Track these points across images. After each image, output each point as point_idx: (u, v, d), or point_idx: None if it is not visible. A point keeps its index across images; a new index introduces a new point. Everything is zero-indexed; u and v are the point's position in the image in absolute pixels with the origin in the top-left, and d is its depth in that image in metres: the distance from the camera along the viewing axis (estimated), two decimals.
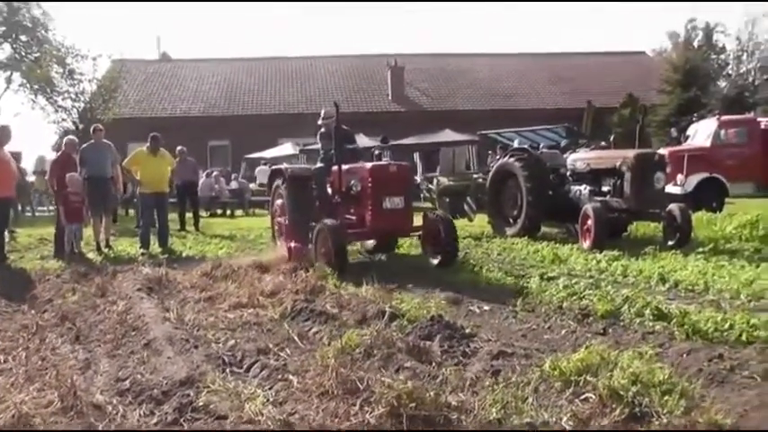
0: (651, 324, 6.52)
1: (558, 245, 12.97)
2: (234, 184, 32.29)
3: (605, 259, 10.92)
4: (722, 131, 20.86)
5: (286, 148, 34.75)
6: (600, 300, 7.40)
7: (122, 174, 15.58)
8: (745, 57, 62.33)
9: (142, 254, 13.99)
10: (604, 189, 13.98)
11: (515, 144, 21.96)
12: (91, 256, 13.91)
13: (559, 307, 7.57)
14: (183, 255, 14.21)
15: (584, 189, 14.31)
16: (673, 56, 49.20)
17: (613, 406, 4.16)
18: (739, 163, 20.08)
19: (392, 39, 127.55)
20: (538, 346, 6.14)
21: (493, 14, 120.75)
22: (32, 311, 8.51)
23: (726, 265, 9.96)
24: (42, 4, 44.17)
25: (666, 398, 4.21)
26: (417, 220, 11.75)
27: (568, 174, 15.12)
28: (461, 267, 10.88)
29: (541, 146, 19.05)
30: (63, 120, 33.85)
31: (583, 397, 4.41)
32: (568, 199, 14.59)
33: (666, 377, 4.48)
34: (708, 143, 20.65)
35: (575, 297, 7.86)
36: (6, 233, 14.49)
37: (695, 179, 19.34)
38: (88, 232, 14.82)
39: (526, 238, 14.23)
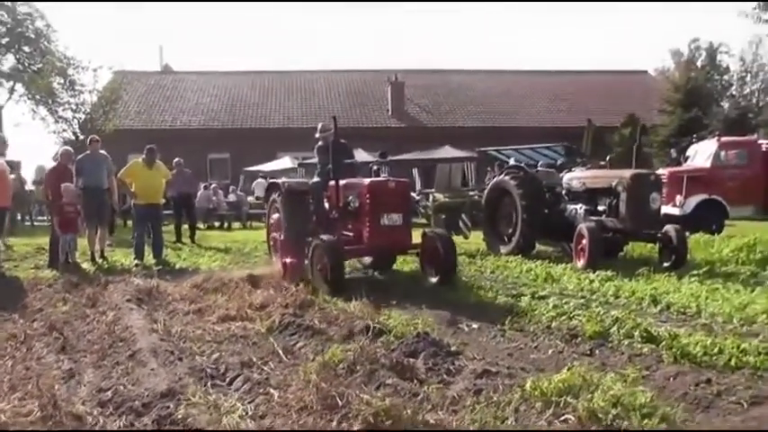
0: (639, 346, 6.48)
1: (551, 264, 12.91)
2: (232, 197, 32.31)
3: (598, 279, 10.87)
4: (722, 153, 20.67)
5: (284, 162, 34.79)
6: (589, 320, 7.35)
7: (118, 185, 15.54)
8: (749, 78, 62.41)
9: (136, 265, 13.96)
10: (600, 208, 13.95)
11: (511, 162, 21.96)
12: (85, 266, 13.90)
13: (548, 327, 7.53)
14: (177, 266, 14.19)
15: (579, 208, 14.27)
16: (675, 75, 49.14)
17: (592, 428, 4.12)
18: (739, 185, 19.89)
19: (393, 55, 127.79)
20: (523, 366, 6.08)
21: (494, 32, 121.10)
22: (22, 321, 8.50)
23: (720, 288, 9.87)
24: (47, 15, 44.42)
25: (646, 421, 4.17)
26: (416, 237, 11.58)
27: (564, 192, 15.10)
28: (453, 285, 10.78)
29: (539, 164, 19.02)
30: (63, 130, 34.02)
31: (562, 418, 4.36)
32: (564, 218, 14.54)
33: (648, 400, 4.43)
34: (708, 164, 20.48)
35: (564, 317, 7.82)
36: (1, 242, 14.50)
37: (694, 201, 19.26)
38: (84, 242, 14.79)
39: (520, 256, 14.13)
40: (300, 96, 46.11)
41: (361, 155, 25.03)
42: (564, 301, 8.88)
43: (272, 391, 5.26)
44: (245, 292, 9.76)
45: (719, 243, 14.26)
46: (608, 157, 20.37)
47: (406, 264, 13.02)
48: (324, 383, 4.93)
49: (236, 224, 30.25)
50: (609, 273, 11.29)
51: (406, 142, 36.23)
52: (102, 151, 15.61)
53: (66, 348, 7.10)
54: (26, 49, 43.30)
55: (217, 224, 29.83)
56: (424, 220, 21.52)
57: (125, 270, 13.31)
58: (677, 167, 21.93)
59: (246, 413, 4.72)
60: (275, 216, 12.87)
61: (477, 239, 16.64)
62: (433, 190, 25.71)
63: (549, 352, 6.71)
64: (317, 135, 12.79)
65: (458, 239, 15.61)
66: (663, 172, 20.26)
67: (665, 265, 12.27)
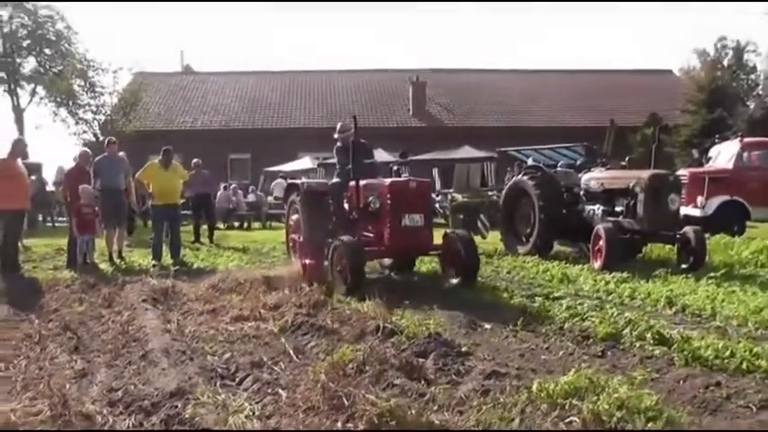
0: (651, 348, 6.46)
1: (568, 264, 12.90)
2: (251, 197, 32.44)
3: (614, 280, 10.84)
4: (745, 154, 20.36)
5: (304, 162, 34.85)
6: (602, 322, 7.33)
7: (136, 186, 15.63)
8: None
9: (153, 265, 14.04)
10: (618, 209, 13.89)
11: (530, 162, 21.87)
12: (103, 266, 13.98)
13: (561, 328, 7.52)
14: (195, 266, 14.25)
15: (597, 209, 14.23)
16: (700, 75, 48.69)
17: (596, 430, 4.10)
18: (762, 186, 19.58)
19: (415, 54, 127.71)
20: (533, 367, 6.08)
21: (516, 31, 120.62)
22: (37, 321, 8.58)
23: (737, 290, 9.83)
24: (67, 18, 44.83)
25: (650, 425, 4.15)
26: (436, 238, 11.44)
27: (582, 193, 15.04)
28: (469, 285, 10.69)
29: (559, 164, 18.95)
30: (84, 132, 34.22)
31: (567, 420, 4.34)
32: (581, 218, 14.51)
33: (653, 403, 4.39)
34: (730, 165, 20.20)
35: (577, 318, 7.81)
36: (20, 244, 14.62)
37: (716, 202, 18.99)
38: (103, 243, 14.89)
39: (538, 256, 14.14)
40: (321, 96, 46.14)
41: (381, 155, 25.04)
42: (578, 303, 8.89)
43: (280, 391, 5.29)
44: (259, 292, 9.78)
45: (739, 245, 14.16)
46: (627, 158, 20.24)
47: (423, 264, 12.95)
48: (331, 383, 4.94)
49: (256, 224, 30.35)
50: (625, 274, 11.26)
51: (426, 142, 36.16)
52: (120, 153, 15.71)
53: (79, 348, 7.16)
54: (47, 51, 43.77)
55: (237, 224, 29.93)
56: (442, 220, 21.51)
57: (142, 270, 13.34)
58: (699, 168, 21.73)
59: (253, 413, 4.74)
60: (295, 217, 12.78)
61: (495, 239, 16.61)
62: (451, 190, 25.64)
63: (560, 353, 6.69)
64: (336, 135, 12.62)
65: (476, 239, 15.60)
66: (684, 173, 20.11)
67: (684, 266, 12.19)
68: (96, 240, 14.58)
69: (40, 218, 28.42)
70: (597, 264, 12.49)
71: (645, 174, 13.56)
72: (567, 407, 4.49)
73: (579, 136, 29.89)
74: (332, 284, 10.18)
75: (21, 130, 42.57)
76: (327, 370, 5.33)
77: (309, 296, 9.04)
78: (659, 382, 5.57)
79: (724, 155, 20.98)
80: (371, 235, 11.32)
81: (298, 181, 13.22)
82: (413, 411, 4.40)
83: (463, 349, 6.38)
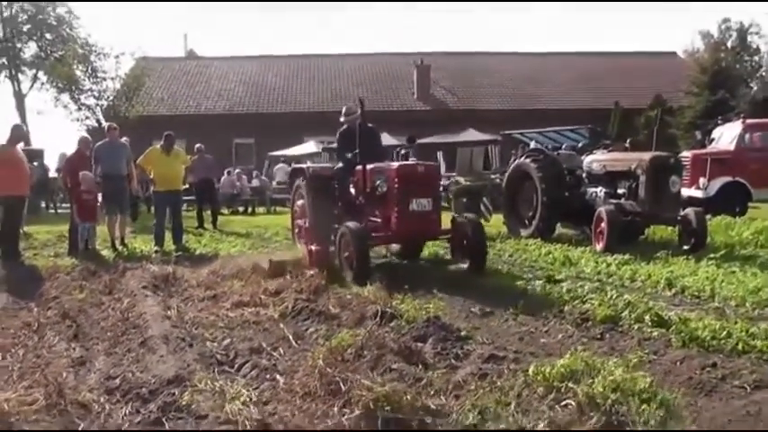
0: (649, 330, 6.48)
1: (571, 247, 12.89)
2: (255, 182, 32.42)
3: (615, 263, 10.82)
4: (747, 135, 20.34)
5: (309, 146, 34.77)
6: (601, 304, 7.34)
7: (139, 172, 15.62)
8: None
9: (155, 252, 14.03)
10: (620, 192, 13.89)
11: (532, 145, 21.83)
12: (105, 253, 13.97)
13: (560, 311, 7.51)
14: (197, 252, 14.22)
15: (599, 191, 14.22)
16: (704, 57, 48.51)
17: (591, 413, 4.11)
18: (764, 167, 19.54)
19: (418, 37, 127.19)
20: (532, 350, 6.09)
21: (521, 13, 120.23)
22: (37, 309, 8.56)
23: (737, 271, 9.82)
24: (68, 2, 44.67)
25: (644, 407, 4.15)
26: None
27: (584, 175, 15.02)
28: (476, 270, 10.58)
29: (563, 147, 18.92)
30: (86, 117, 34.17)
31: (563, 403, 4.35)
32: (584, 201, 14.50)
33: (647, 386, 4.39)
34: (732, 147, 20.20)
35: (577, 301, 7.81)
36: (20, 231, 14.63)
37: (718, 183, 19.05)
38: (105, 229, 14.88)
39: (540, 239, 14.14)
40: (326, 80, 46.00)
41: (386, 139, 24.98)
42: (579, 285, 8.90)
43: (278, 377, 5.33)
44: (260, 277, 9.77)
45: (740, 226, 14.19)
46: (628, 140, 20.22)
47: (425, 248, 12.87)
48: (329, 369, 4.96)
49: (261, 209, 30.38)
50: (627, 256, 11.23)
51: (431, 125, 36.05)
52: (123, 138, 15.70)
53: (78, 336, 7.16)
54: (48, 36, 43.54)
55: (241, 209, 29.97)
56: (445, 204, 21.47)
57: (144, 257, 13.33)
58: (701, 150, 21.71)
59: (250, 399, 4.73)
60: (300, 202, 12.58)
61: (497, 223, 16.60)
62: (454, 173, 25.64)
63: (559, 336, 6.70)
64: (342, 119, 12.37)
65: None
66: (687, 154, 20.15)
67: (685, 248, 12.21)
68: (99, 227, 14.55)
69: (43, 204, 28.47)
70: (599, 246, 12.49)
71: (646, 156, 13.54)
72: (562, 390, 4.50)
73: (584, 118, 29.80)
74: (336, 270, 10.11)
75: (22, 115, 42.44)
76: (325, 355, 5.33)
77: (310, 281, 9.05)
78: (656, 363, 5.59)
79: (726, 136, 20.99)
80: (378, 220, 11.06)
81: (303, 165, 13.07)
82: (409, 396, 4.40)
83: (462, 333, 6.41)
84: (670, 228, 14.02)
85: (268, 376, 5.42)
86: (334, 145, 14.03)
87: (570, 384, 4.52)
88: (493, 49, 52.54)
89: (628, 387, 4.36)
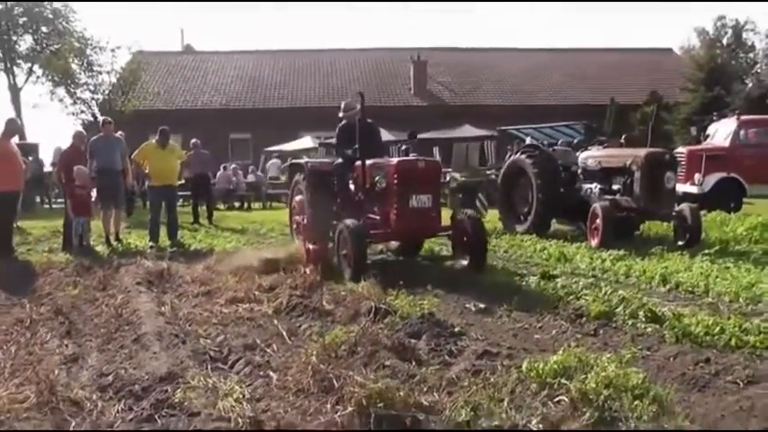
0: (643, 326, 6.50)
1: (566, 243, 12.86)
2: (251, 177, 32.39)
3: (610, 259, 10.82)
4: (742, 131, 20.41)
5: (305, 142, 34.76)
6: (595, 300, 7.34)
7: (135, 166, 15.59)
8: None
9: (151, 247, 13.99)
10: (615, 188, 13.88)
11: (528, 141, 21.83)
12: (100, 248, 13.91)
13: (555, 307, 7.52)
14: (192, 248, 14.17)
15: (594, 187, 14.23)
16: (700, 53, 48.61)
17: (584, 409, 4.11)
18: (758, 163, 19.62)
19: (415, 33, 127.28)
20: (526, 347, 6.09)
21: (518, 9, 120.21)
22: (30, 305, 8.46)
23: (731, 267, 9.83)
24: None
25: (637, 402, 4.16)
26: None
27: (580, 171, 15.02)
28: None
29: (559, 142, 18.93)
30: (82, 111, 34.05)
31: (556, 399, 4.36)
32: (579, 197, 14.51)
33: (640, 381, 4.41)
34: (727, 143, 20.24)
35: (572, 297, 7.80)
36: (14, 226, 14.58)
37: (713, 179, 19.07)
38: (100, 225, 14.82)
39: (535, 235, 14.16)
40: (322, 75, 46.01)
41: (383, 134, 24.92)
42: (573, 281, 8.86)
43: (271, 373, 5.31)
44: (255, 273, 9.75)
45: (735, 222, 14.20)
46: (624, 136, 20.23)
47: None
48: (322, 365, 4.96)
49: (257, 205, 30.39)
50: (622, 252, 11.25)
51: (428, 121, 36.00)
52: (119, 133, 15.66)
53: (71, 333, 7.13)
54: (44, 29, 43.41)
55: (237, 205, 29.96)
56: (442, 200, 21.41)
57: (139, 252, 13.23)
58: (696, 146, 21.72)
59: (243, 396, 4.72)
60: (298, 198, 12.33)
61: (493, 218, 16.59)
62: (449, 169, 25.61)
63: (553, 332, 6.72)
64: (341, 114, 12.13)
65: None
66: (682, 150, 20.17)
67: (680, 243, 12.23)
68: (93, 222, 14.49)
69: (38, 199, 28.40)
70: (594, 242, 12.49)
71: (641, 152, 13.55)
72: (555, 386, 4.52)
73: (580, 114, 29.90)
74: (332, 267, 10.05)
75: (17, 109, 42.41)
76: (319, 352, 5.33)
77: (305, 277, 9.04)
78: (650, 359, 5.61)
79: (721, 132, 21.03)
80: (377, 217, 10.85)
81: (302, 161, 12.92)
82: (402, 393, 4.40)
83: (456, 329, 6.38)
84: (665, 223, 14.01)
85: (261, 373, 5.40)
86: (333, 140, 13.89)
87: (563, 380, 4.55)
88: (490, 45, 52.63)
89: (621, 383, 4.38)
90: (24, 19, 43.11)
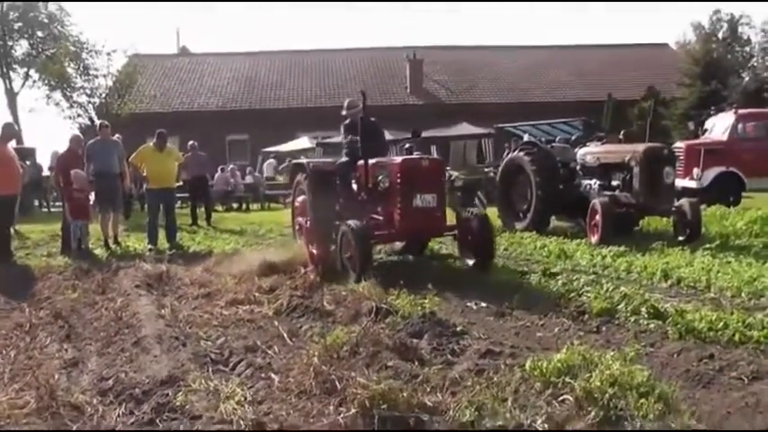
0: (646, 323, 6.49)
1: (565, 240, 12.83)
2: (249, 179, 32.35)
3: (611, 255, 10.80)
4: (740, 125, 20.39)
5: (302, 142, 34.69)
6: (597, 297, 7.32)
7: (132, 169, 15.54)
8: None
9: (149, 250, 13.95)
10: (614, 183, 13.84)
11: (525, 138, 21.80)
12: (99, 252, 13.87)
13: (557, 305, 7.51)
14: (191, 250, 14.12)
15: (593, 183, 14.17)
16: (696, 48, 48.61)
17: (589, 408, 4.08)
18: (757, 157, 19.61)
19: (411, 31, 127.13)
20: (529, 345, 6.06)
21: (513, 7, 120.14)
22: (29, 309, 8.44)
23: (732, 261, 9.81)
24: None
25: (642, 401, 4.13)
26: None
27: (578, 168, 14.99)
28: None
29: (557, 139, 18.90)
30: (78, 115, 33.93)
31: (561, 398, 4.33)
32: (578, 193, 14.46)
33: (645, 379, 4.38)
34: (725, 137, 20.23)
35: (573, 294, 7.79)
36: (12, 230, 14.52)
37: (712, 173, 19.07)
38: (99, 228, 14.74)
39: (535, 232, 14.11)
40: (318, 76, 45.90)
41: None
42: (574, 278, 8.83)
43: (273, 375, 5.29)
44: (254, 275, 9.71)
45: (734, 216, 14.15)
46: (622, 132, 20.21)
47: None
48: (324, 367, 4.94)
49: (255, 206, 30.30)
50: (622, 248, 11.21)
51: (425, 119, 35.85)
52: (116, 136, 15.61)
53: (71, 337, 7.11)
54: (39, 33, 43.29)
55: (235, 206, 29.89)
56: None
57: (138, 255, 13.19)
58: (695, 140, 21.71)
59: (245, 398, 4.70)
60: (300, 198, 12.03)
61: (492, 216, 16.46)
62: (447, 168, 25.61)
63: (556, 330, 6.69)
64: (344, 112, 11.96)
65: None
66: (680, 145, 20.16)
67: (680, 239, 12.19)
68: (92, 225, 14.43)
69: (36, 203, 28.34)
70: (594, 238, 12.45)
71: (640, 147, 13.53)
72: (559, 385, 4.49)
73: (578, 111, 29.86)
74: (334, 268, 9.92)
75: (14, 113, 42.23)
76: (321, 353, 5.32)
77: (305, 278, 9.04)
78: (653, 356, 5.59)
79: (719, 127, 21.03)
80: (381, 217, 10.61)
81: (303, 160, 12.80)
82: (405, 393, 4.38)
83: (458, 329, 6.34)
84: (665, 219, 13.98)
85: (263, 375, 5.38)
86: (335, 139, 13.71)
87: (567, 379, 4.52)
88: (486, 43, 52.62)
89: (625, 381, 4.35)
90: (20, 24, 42.95)
